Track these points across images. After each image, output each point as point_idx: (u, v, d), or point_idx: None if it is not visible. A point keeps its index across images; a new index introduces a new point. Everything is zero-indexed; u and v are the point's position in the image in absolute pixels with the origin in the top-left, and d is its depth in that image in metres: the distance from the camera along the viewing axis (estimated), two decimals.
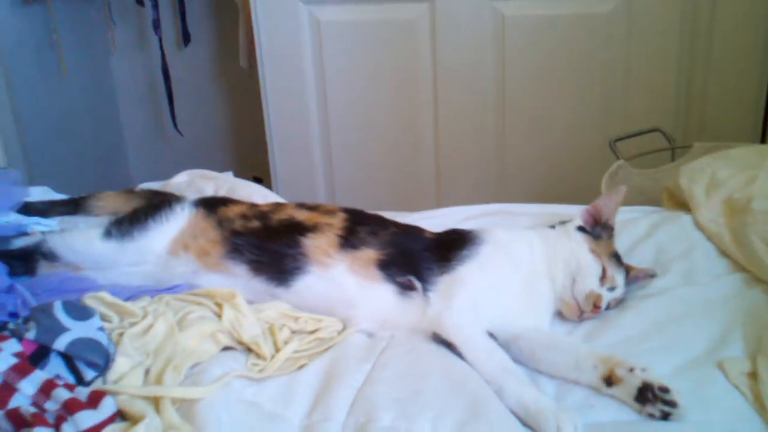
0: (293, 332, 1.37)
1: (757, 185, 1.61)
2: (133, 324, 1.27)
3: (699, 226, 1.68)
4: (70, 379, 1.15)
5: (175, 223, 1.55)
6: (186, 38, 3.58)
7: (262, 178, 3.18)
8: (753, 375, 1.22)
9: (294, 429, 1.13)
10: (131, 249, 1.52)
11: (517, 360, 1.30)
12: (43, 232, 1.65)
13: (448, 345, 1.32)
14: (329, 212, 1.55)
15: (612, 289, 1.46)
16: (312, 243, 1.47)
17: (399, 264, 1.44)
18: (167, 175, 2.07)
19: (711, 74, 2.65)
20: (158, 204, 1.60)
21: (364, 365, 1.27)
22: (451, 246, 1.48)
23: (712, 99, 2.68)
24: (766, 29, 2.55)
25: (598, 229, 1.54)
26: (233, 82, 3.64)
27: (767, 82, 2.61)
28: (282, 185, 3.05)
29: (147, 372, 1.20)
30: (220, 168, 2.17)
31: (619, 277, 1.47)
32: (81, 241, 1.55)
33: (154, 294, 1.41)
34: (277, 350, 1.31)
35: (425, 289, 1.40)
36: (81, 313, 1.23)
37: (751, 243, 1.51)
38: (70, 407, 1.04)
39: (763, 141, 2.63)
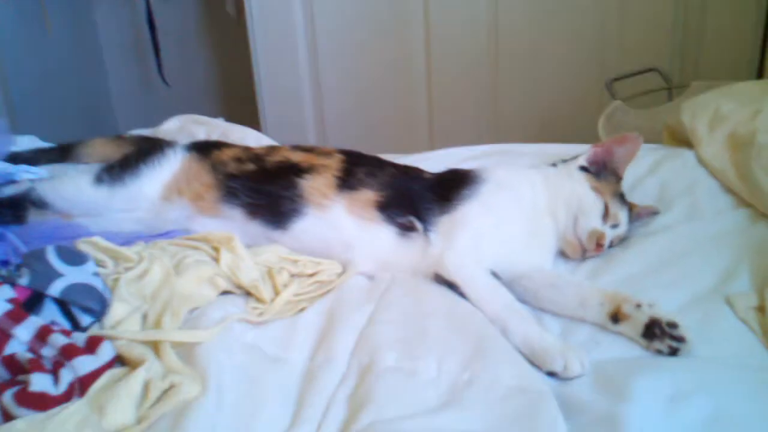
0: (292, 275, 1.35)
1: (762, 119, 1.58)
2: (128, 269, 1.24)
3: (702, 162, 1.65)
4: (66, 325, 1.12)
5: (168, 167, 1.51)
6: None
7: (252, 128, 3.12)
8: (761, 309, 1.21)
9: (297, 371, 1.11)
10: (123, 195, 1.49)
11: (521, 299, 1.28)
12: (31, 180, 1.60)
13: (451, 285, 1.30)
14: (326, 154, 1.52)
15: (615, 226, 1.44)
16: (309, 184, 1.43)
17: (398, 205, 1.41)
18: (155, 126, 2.03)
19: (707, 13, 2.63)
20: (150, 149, 1.56)
21: (365, 307, 1.25)
22: (452, 185, 1.45)
23: (708, 38, 2.65)
24: None
25: (602, 171, 1.51)
26: (220, 30, 3.57)
27: (763, 20, 2.57)
28: (272, 135, 2.98)
29: (145, 317, 1.17)
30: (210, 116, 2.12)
31: (622, 215, 1.45)
32: (71, 187, 1.52)
33: (149, 239, 1.38)
34: (277, 294, 1.28)
35: (426, 230, 1.38)
36: (75, 258, 1.20)
37: (755, 177, 1.49)
38: (68, 353, 1.01)
39: (759, 78, 2.59)
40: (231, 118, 2.34)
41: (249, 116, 3.11)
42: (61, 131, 2.97)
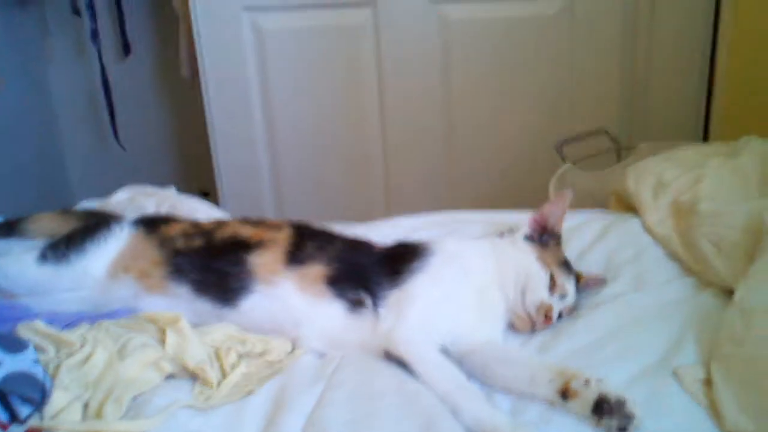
0: (241, 355, 1.33)
1: (703, 186, 1.61)
2: (70, 354, 1.21)
3: (647, 229, 1.67)
4: (4, 416, 1.09)
5: (114, 244, 1.50)
6: (126, 49, 3.50)
7: (209, 191, 3.11)
8: (707, 382, 1.21)
9: None
10: (68, 273, 1.46)
11: (471, 375, 1.28)
12: None
13: (401, 363, 1.29)
14: (275, 227, 1.51)
15: (563, 297, 1.45)
16: (257, 260, 1.42)
17: (348, 279, 1.41)
18: (111, 189, 2.01)
19: (653, 75, 2.69)
20: (96, 225, 1.54)
21: (314, 387, 1.23)
22: (401, 259, 1.45)
23: (654, 98, 2.72)
24: (706, 30, 2.58)
25: (545, 237, 1.53)
26: (176, 93, 3.57)
27: (707, 83, 2.65)
28: (229, 198, 2.99)
29: (86, 405, 1.14)
30: (166, 181, 2.11)
31: (569, 285, 1.46)
32: (14, 266, 1.49)
33: (93, 320, 1.34)
34: (224, 375, 1.26)
35: (375, 305, 1.37)
36: (14, 345, 1.16)
37: (699, 246, 1.51)
38: None
39: (705, 139, 2.67)
40: (188, 179, 2.35)
41: (205, 178, 3.10)
42: (13, 195, 2.93)
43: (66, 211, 1.78)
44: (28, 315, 1.36)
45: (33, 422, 1.09)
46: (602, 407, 1.14)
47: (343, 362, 1.31)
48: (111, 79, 3.45)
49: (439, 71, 2.74)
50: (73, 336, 1.25)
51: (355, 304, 1.38)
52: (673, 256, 1.60)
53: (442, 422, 1.14)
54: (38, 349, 1.22)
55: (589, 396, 1.16)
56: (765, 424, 1.10)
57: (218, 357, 1.30)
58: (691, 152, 1.87)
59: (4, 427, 1.04)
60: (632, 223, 1.71)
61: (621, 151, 2.43)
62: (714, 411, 1.16)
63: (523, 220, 1.59)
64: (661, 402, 1.19)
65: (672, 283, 1.52)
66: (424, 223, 1.85)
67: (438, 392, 1.21)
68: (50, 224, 1.71)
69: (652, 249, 1.62)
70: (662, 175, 1.73)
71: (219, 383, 1.24)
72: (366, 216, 1.95)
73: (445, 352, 1.31)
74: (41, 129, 3.53)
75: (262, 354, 1.33)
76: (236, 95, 2.86)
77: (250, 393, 1.23)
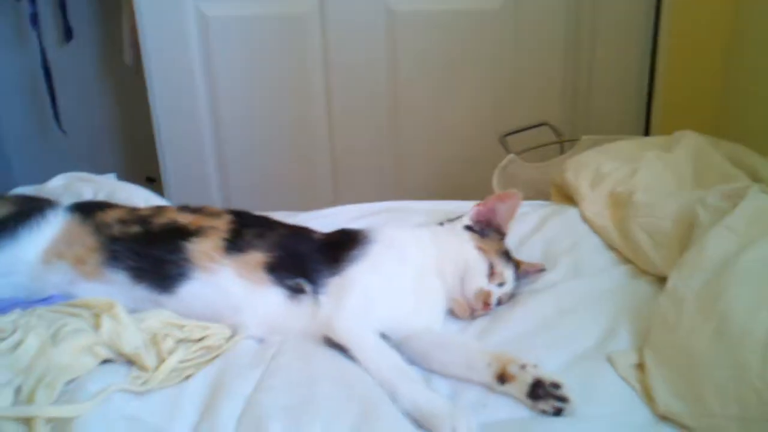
0: (178, 341, 1.31)
1: (638, 178, 1.65)
2: (1, 340, 1.18)
3: (585, 219, 1.71)
4: None
5: (48, 230, 1.46)
6: (68, 34, 3.42)
7: (155, 178, 3.07)
8: (640, 366, 1.24)
9: None
10: (0, 259, 1.43)
11: (410, 361, 1.29)
12: None
13: (340, 348, 1.29)
14: (214, 215, 1.50)
15: (501, 284, 1.47)
16: (196, 248, 1.41)
17: (287, 266, 1.40)
18: (52, 175, 1.97)
19: (595, 69, 2.73)
20: (29, 210, 1.50)
21: (253, 373, 1.23)
22: (341, 246, 1.45)
23: (597, 93, 2.76)
24: (648, 25, 2.63)
25: (486, 229, 1.54)
26: (119, 79, 3.50)
27: (647, 76, 2.69)
28: (174, 185, 2.95)
29: (18, 391, 1.12)
30: (110, 168, 2.08)
31: (508, 273, 1.48)
32: None
33: (26, 306, 1.31)
34: (162, 361, 1.25)
35: (315, 292, 1.37)
36: None
37: (634, 235, 1.54)
38: None
39: (646, 133, 2.72)
40: (134, 167, 2.31)
41: (150, 165, 3.05)
42: None
43: None
44: None
45: None
46: (537, 391, 1.17)
47: (282, 348, 1.31)
48: (52, 64, 3.38)
49: (385, 62, 2.74)
50: (3, 322, 1.22)
51: (295, 291, 1.38)
52: (609, 245, 1.63)
53: (382, 407, 1.14)
54: None
55: (525, 380, 1.18)
56: (695, 406, 1.13)
57: (155, 343, 1.28)
58: (628, 145, 1.92)
59: None
60: (570, 213, 1.75)
61: (563, 143, 2.46)
62: (646, 395, 1.19)
63: (464, 209, 1.60)
64: (596, 387, 1.21)
65: (608, 272, 1.56)
66: (368, 212, 1.85)
67: (377, 377, 1.22)
68: None
69: (589, 238, 1.66)
70: (600, 167, 1.77)
71: (156, 368, 1.22)
72: (313, 205, 1.95)
73: (385, 338, 1.32)
74: None
75: (200, 340, 1.32)
76: (180, 82, 2.83)
77: (188, 378, 1.22)
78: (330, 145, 2.90)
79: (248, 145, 2.94)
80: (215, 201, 2.95)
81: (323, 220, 1.69)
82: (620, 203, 1.62)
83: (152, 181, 3.03)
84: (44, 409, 1.06)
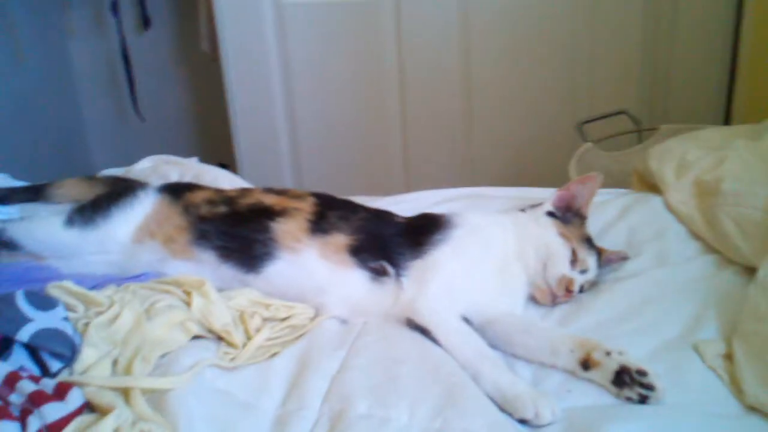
0: (264, 320, 1.34)
1: (726, 166, 1.61)
2: (99, 313, 1.23)
3: (670, 208, 1.67)
4: (35, 370, 1.11)
5: (140, 209, 1.51)
6: (146, 22, 3.51)
7: (227, 164, 3.12)
8: (728, 356, 1.22)
9: (268, 418, 1.10)
10: (94, 237, 1.48)
11: (492, 345, 1.29)
12: (2, 221, 1.59)
13: (423, 331, 1.30)
14: (298, 197, 1.52)
15: (584, 271, 1.45)
16: (281, 228, 1.44)
17: (371, 249, 1.42)
18: (130, 161, 2.03)
19: (675, 56, 2.68)
20: (121, 190, 1.55)
21: (338, 352, 1.25)
22: (424, 230, 1.46)
23: (676, 81, 2.71)
24: (730, 10, 2.56)
25: (568, 215, 1.53)
26: (196, 66, 3.58)
27: (729, 65, 2.63)
28: (247, 171, 3.00)
29: (115, 362, 1.16)
30: (185, 154, 2.13)
31: (590, 260, 1.47)
32: (42, 229, 1.51)
33: (120, 283, 1.36)
34: (249, 338, 1.28)
35: (398, 275, 1.38)
36: (44, 303, 1.18)
37: (721, 225, 1.51)
38: (36, 399, 1.00)
39: (726, 122, 2.65)
40: (206, 153, 2.36)
41: (224, 151, 3.11)
42: (34, 167, 2.96)
43: (91, 177, 1.80)
44: (56, 276, 1.38)
45: (63, 377, 1.11)
46: (623, 378, 1.15)
47: (365, 329, 1.33)
48: (130, 52, 3.47)
49: (458, 46, 2.74)
50: (101, 296, 1.27)
51: (378, 274, 1.39)
52: (695, 234, 1.60)
53: (464, 389, 1.15)
54: (68, 307, 1.24)
55: (611, 366, 1.17)
56: None
57: (243, 320, 1.31)
58: (714, 133, 1.87)
59: (36, 380, 1.05)
60: (655, 202, 1.71)
61: (642, 132, 2.42)
62: (735, 386, 1.17)
63: (545, 196, 1.59)
64: (682, 376, 1.19)
65: (694, 261, 1.53)
66: (447, 198, 1.85)
67: (460, 360, 1.23)
68: (75, 189, 1.73)
69: (674, 227, 1.62)
70: (685, 155, 1.73)
71: (244, 345, 1.25)
72: (385, 192, 1.96)
73: (467, 321, 1.32)
74: (61, 102, 3.55)
75: (285, 319, 1.35)
76: (256, 70, 2.88)
77: (274, 355, 1.25)
78: (402, 131, 2.91)
79: (321, 131, 2.97)
80: (287, 186, 2.98)
81: (402, 205, 1.70)
82: (707, 192, 1.59)
83: (225, 168, 3.07)
84: (141, 380, 1.10)
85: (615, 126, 2.44)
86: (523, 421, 1.11)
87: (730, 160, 1.63)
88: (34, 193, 1.77)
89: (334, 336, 1.31)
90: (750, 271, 1.42)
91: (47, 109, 3.37)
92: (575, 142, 2.35)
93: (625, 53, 2.68)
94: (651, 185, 1.81)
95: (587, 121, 2.40)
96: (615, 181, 2.06)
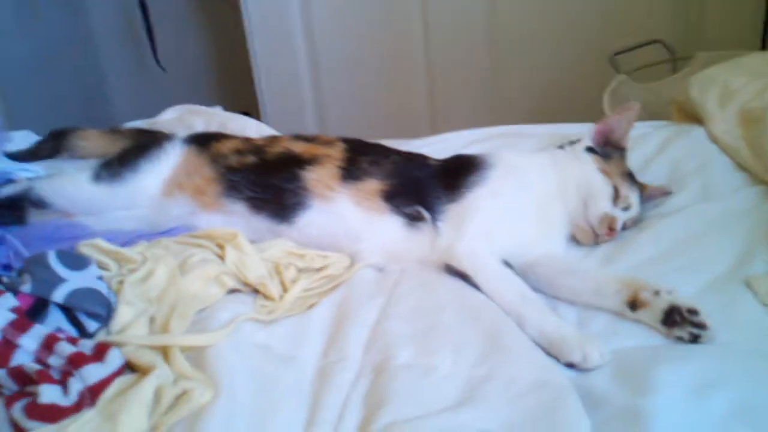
0: (300, 270, 1.32)
1: None
2: (132, 271, 1.21)
3: (713, 139, 1.62)
4: (73, 331, 1.09)
5: (167, 162, 1.48)
6: None
7: (250, 112, 3.08)
8: None
9: (309, 370, 1.08)
10: (123, 192, 1.46)
11: (535, 288, 1.26)
12: (29, 179, 1.57)
13: (462, 276, 1.28)
14: (327, 143, 1.49)
15: (626, 209, 1.42)
16: (312, 176, 1.40)
17: (405, 194, 1.38)
18: (152, 112, 2.00)
19: None
20: (147, 143, 1.52)
21: (376, 301, 1.22)
22: (459, 172, 1.42)
23: (711, 7, 2.60)
24: None
25: (608, 149, 1.48)
26: (216, 13, 3.52)
27: None
28: (271, 119, 2.96)
29: (152, 320, 1.14)
30: (207, 103, 2.09)
31: (633, 196, 1.43)
32: (70, 185, 1.49)
33: (151, 238, 1.35)
34: (285, 290, 1.26)
35: (434, 219, 1.35)
36: (77, 262, 1.17)
37: None
38: (76, 361, 0.98)
39: (763, 48, 2.55)
40: (228, 100, 2.32)
41: (247, 99, 3.07)
42: (55, 122, 2.92)
43: (114, 129, 1.77)
44: (86, 233, 1.36)
45: (101, 337, 1.09)
46: (673, 317, 1.12)
47: (403, 276, 1.30)
48: (148, 0, 3.41)
49: None
50: (133, 253, 1.25)
51: (413, 219, 1.36)
52: (740, 165, 1.54)
53: (506, 334, 1.12)
54: (100, 266, 1.22)
55: (660, 306, 1.14)
56: None
57: (278, 272, 1.29)
58: (758, 59, 1.80)
59: (74, 341, 1.04)
60: (696, 133, 1.66)
61: (677, 61, 2.34)
62: None
63: (582, 132, 1.54)
64: (734, 313, 1.16)
65: (740, 192, 1.48)
66: (477, 138, 1.81)
67: (501, 304, 1.20)
68: (99, 142, 1.71)
69: (718, 158, 1.57)
70: (728, 83, 1.66)
71: (281, 297, 1.23)
72: (411, 134, 1.91)
73: (508, 264, 1.29)
74: (80, 53, 3.52)
75: (321, 269, 1.32)
76: (276, 12, 2.81)
77: (312, 306, 1.22)
78: (428, 71, 2.85)
79: (345, 74, 2.92)
80: (311, 131, 2.95)
81: (433, 147, 1.66)
82: (753, 120, 1.53)
83: (247, 116, 3.05)
84: (180, 338, 1.08)
85: (649, 56, 2.36)
86: (570, 365, 1.08)
87: None
88: (58, 139, 1.74)
89: (371, 284, 1.28)
90: None
91: (66, 63, 3.34)
92: (608, 75, 2.28)
93: None
94: (691, 116, 1.75)
95: (620, 52, 2.33)
96: (651, 113, 1.99)
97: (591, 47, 2.59)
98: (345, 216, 1.38)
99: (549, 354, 1.11)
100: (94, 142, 1.73)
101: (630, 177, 1.45)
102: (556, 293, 1.26)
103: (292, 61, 2.89)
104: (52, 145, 1.76)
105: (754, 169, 1.50)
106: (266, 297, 1.24)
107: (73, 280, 1.13)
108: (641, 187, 1.46)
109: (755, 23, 2.57)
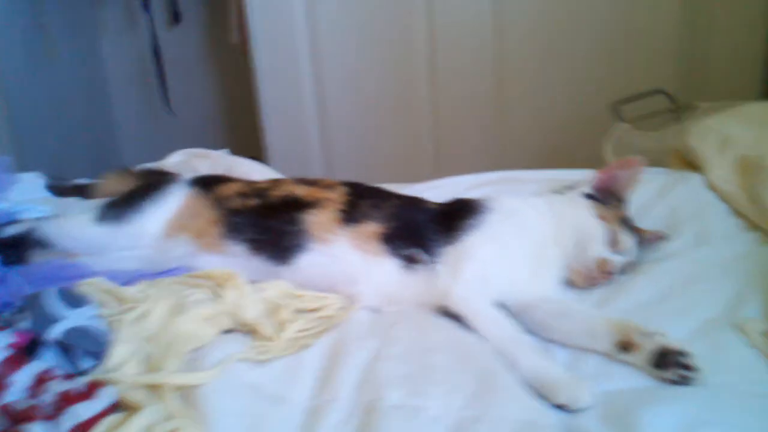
0: (296, 311, 1.33)
1: None
2: (130, 310, 1.23)
3: (711, 186, 1.63)
4: (68, 368, 1.10)
5: (171, 203, 1.50)
6: (176, 17, 3.52)
7: (257, 158, 3.12)
8: None
9: (299, 411, 1.08)
10: (126, 232, 1.48)
11: (528, 330, 1.27)
12: (34, 219, 1.59)
13: (457, 318, 1.28)
14: (329, 186, 1.51)
15: (622, 253, 1.42)
16: (313, 219, 1.42)
17: (403, 237, 1.40)
18: (160, 156, 2.03)
19: (712, 34, 2.61)
20: (152, 185, 1.55)
21: (370, 342, 1.23)
22: (457, 216, 1.43)
23: (713, 59, 2.64)
24: None
25: (607, 197, 1.50)
26: (226, 60, 3.59)
27: (766, 41, 2.54)
28: (277, 163, 2.99)
29: (146, 359, 1.15)
30: (215, 148, 2.12)
31: (629, 241, 1.43)
32: (74, 226, 1.51)
33: (152, 278, 1.36)
34: (281, 330, 1.26)
35: (431, 262, 1.36)
36: (76, 300, 1.18)
37: (765, 201, 1.47)
38: (68, 398, 0.99)
39: (764, 98, 2.57)
40: (236, 146, 2.36)
41: (254, 145, 3.11)
42: (65, 165, 2.99)
43: (124, 170, 1.80)
44: (88, 273, 1.37)
45: (95, 374, 1.10)
46: (664, 359, 1.12)
47: (397, 318, 1.31)
48: (161, 46, 3.48)
49: (491, 26, 2.70)
50: (132, 292, 1.27)
51: (411, 261, 1.37)
52: (737, 212, 1.55)
53: (500, 377, 1.13)
54: (99, 304, 1.23)
55: (650, 348, 1.14)
56: None
57: (274, 312, 1.30)
58: (756, 108, 1.82)
59: (68, 378, 1.05)
60: (695, 180, 1.67)
61: (679, 111, 2.36)
62: None
63: (579, 177, 1.56)
64: (724, 356, 1.16)
65: (736, 238, 1.49)
66: (478, 183, 1.83)
67: (495, 346, 1.20)
68: (115, 182, 1.73)
69: (715, 205, 1.59)
70: (727, 132, 1.68)
71: (275, 338, 1.24)
72: (415, 179, 1.93)
73: (503, 307, 1.30)
74: (93, 98, 3.59)
75: (317, 310, 1.33)
76: (285, 60, 2.87)
77: (305, 347, 1.23)
78: (433, 116, 2.88)
79: (351, 120, 2.95)
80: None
81: (434, 191, 1.68)
82: (751, 168, 1.54)
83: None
84: (171, 376, 1.09)
85: (651, 105, 2.38)
86: (560, 407, 1.08)
87: None
88: (81, 192, 1.79)
89: (365, 326, 1.29)
90: None
91: (79, 106, 3.40)
92: (610, 123, 2.30)
93: (661, 30, 2.62)
94: (690, 164, 1.76)
95: (623, 101, 2.35)
96: (652, 161, 1.98)
97: (594, 95, 2.61)
98: (343, 259, 1.39)
99: (540, 395, 1.11)
100: (111, 184, 1.76)
101: (627, 222, 1.46)
102: (550, 336, 1.27)
103: (299, 107, 2.93)
104: (76, 193, 1.81)
105: (751, 215, 1.51)
106: (261, 337, 1.25)
107: (71, 318, 1.14)
108: (639, 233, 1.47)
109: (758, 74, 2.60)
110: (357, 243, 1.40)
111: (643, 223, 1.54)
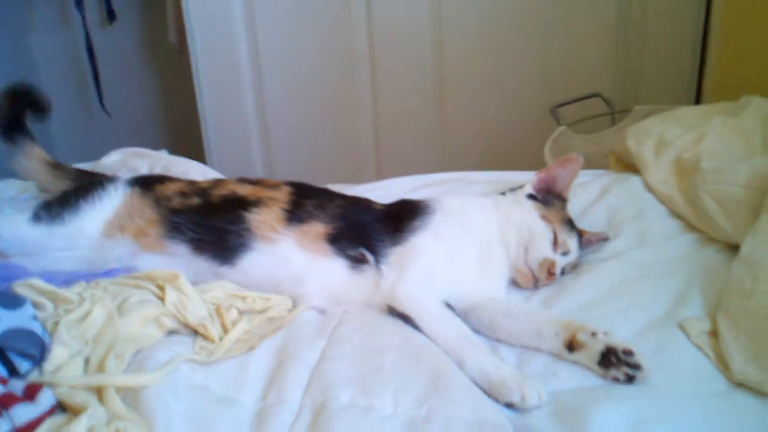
0: (241, 312, 1.31)
1: (705, 144, 1.60)
2: (68, 311, 1.18)
3: (649, 188, 1.66)
4: (3, 372, 1.06)
5: (109, 203, 1.47)
6: (111, 15, 3.44)
7: (198, 159, 3.07)
8: (713, 333, 1.21)
9: (248, 413, 1.07)
10: (62, 232, 1.43)
11: (476, 330, 1.27)
12: None
13: (404, 318, 1.28)
14: (273, 186, 1.49)
15: (565, 254, 1.44)
16: (257, 218, 1.40)
17: (349, 237, 1.39)
18: (96, 157, 1.97)
19: (647, 40, 2.67)
20: (89, 184, 1.50)
21: (317, 342, 1.22)
22: (402, 216, 1.43)
23: (648, 64, 2.70)
24: None
25: (549, 198, 1.51)
26: (163, 60, 3.52)
27: (700, 46, 2.62)
28: (218, 165, 2.95)
29: (87, 361, 1.12)
30: (155, 149, 2.07)
31: (571, 242, 1.45)
32: (7, 226, 1.46)
33: (90, 279, 1.32)
34: (226, 331, 1.24)
35: (377, 262, 1.36)
36: (11, 301, 1.14)
37: (702, 203, 1.50)
38: (5, 402, 0.96)
39: (697, 104, 2.65)
40: (175, 148, 2.31)
41: (193, 146, 3.06)
42: None
43: (59, 164, 1.75)
44: (23, 274, 1.32)
45: (32, 377, 1.06)
46: (609, 358, 1.14)
47: (345, 318, 1.30)
48: (95, 46, 3.40)
49: (431, 32, 2.71)
50: (71, 293, 1.22)
51: (357, 262, 1.37)
52: (675, 213, 1.59)
53: (449, 376, 1.12)
54: (36, 306, 1.19)
55: (596, 347, 1.16)
56: None
57: (219, 314, 1.28)
58: (692, 111, 1.87)
59: (4, 382, 1.01)
60: (633, 182, 1.70)
61: (615, 114, 2.42)
62: (721, 362, 1.16)
63: (524, 179, 1.57)
64: (668, 354, 1.18)
65: (675, 240, 1.52)
66: (423, 184, 1.83)
67: (443, 345, 1.20)
68: (41, 167, 1.70)
69: (653, 207, 1.61)
70: (664, 134, 1.72)
71: (221, 339, 1.22)
72: (357, 180, 1.93)
73: (449, 307, 1.30)
74: None
75: (262, 311, 1.32)
76: (225, 60, 2.83)
77: (252, 348, 1.21)
78: (374, 120, 2.88)
79: (292, 121, 2.93)
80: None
81: (379, 192, 1.68)
82: (687, 170, 1.58)
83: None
84: (115, 377, 1.06)
85: (589, 109, 2.43)
86: (509, 405, 1.09)
87: (708, 137, 1.62)
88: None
89: (313, 326, 1.28)
90: (732, 248, 1.42)
91: None
92: (550, 127, 2.34)
93: (597, 36, 2.67)
94: (629, 166, 1.80)
95: (561, 105, 2.39)
96: (590, 163, 2.03)
97: (534, 100, 2.66)
98: (289, 258, 1.37)
99: (489, 394, 1.11)
100: (37, 165, 1.71)
101: (569, 223, 1.48)
102: (497, 335, 1.28)
103: (239, 107, 2.90)
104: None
105: (688, 217, 1.55)
106: (206, 338, 1.22)
107: (6, 320, 1.10)
108: (580, 233, 1.49)
109: (690, 78, 2.67)
110: (303, 243, 1.38)
111: (584, 223, 1.56)
